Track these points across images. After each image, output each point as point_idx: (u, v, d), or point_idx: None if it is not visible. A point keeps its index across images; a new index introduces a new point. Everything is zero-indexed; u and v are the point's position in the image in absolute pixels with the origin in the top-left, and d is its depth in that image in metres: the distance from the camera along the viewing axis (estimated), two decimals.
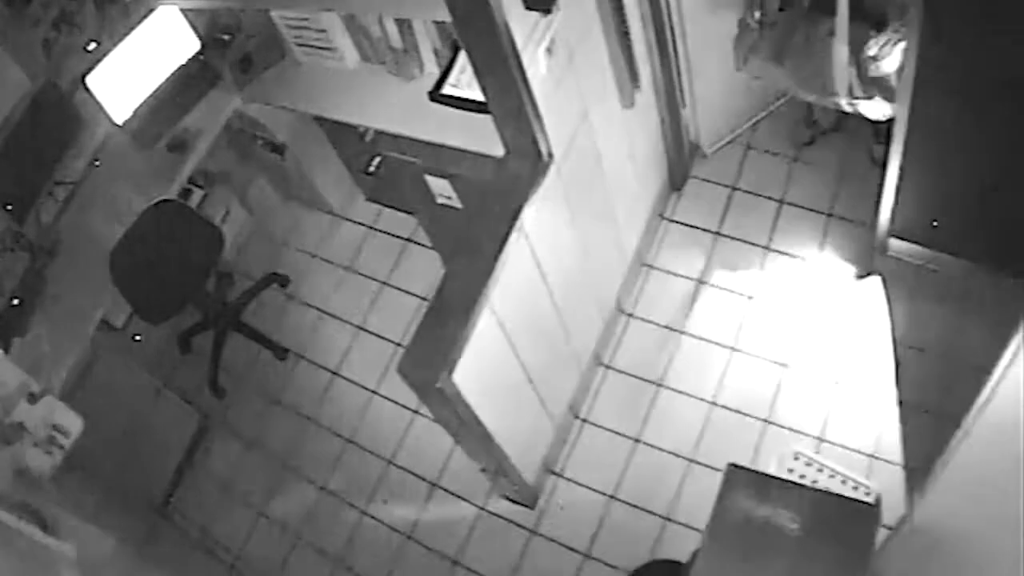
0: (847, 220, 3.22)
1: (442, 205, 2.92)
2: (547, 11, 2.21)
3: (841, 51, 2.54)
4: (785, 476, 2.69)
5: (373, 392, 3.46)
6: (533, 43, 2.22)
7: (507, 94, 2.24)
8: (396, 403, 3.38)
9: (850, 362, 2.97)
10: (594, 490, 3.02)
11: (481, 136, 2.59)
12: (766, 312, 3.15)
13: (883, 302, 3.04)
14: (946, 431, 1.67)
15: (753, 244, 3.29)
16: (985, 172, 2.50)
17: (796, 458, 2.54)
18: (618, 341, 3.25)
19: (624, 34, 2.63)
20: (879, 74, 2.51)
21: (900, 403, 2.86)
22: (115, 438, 3.14)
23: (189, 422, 3.53)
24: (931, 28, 2.13)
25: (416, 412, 3.32)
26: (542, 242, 2.53)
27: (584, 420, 3.15)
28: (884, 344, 2.97)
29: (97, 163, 3.32)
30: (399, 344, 3.50)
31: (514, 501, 3.06)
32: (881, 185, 2.68)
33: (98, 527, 2.41)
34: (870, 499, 2.38)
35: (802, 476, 2.72)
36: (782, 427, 2.92)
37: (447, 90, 2.82)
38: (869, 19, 2.51)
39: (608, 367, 3.22)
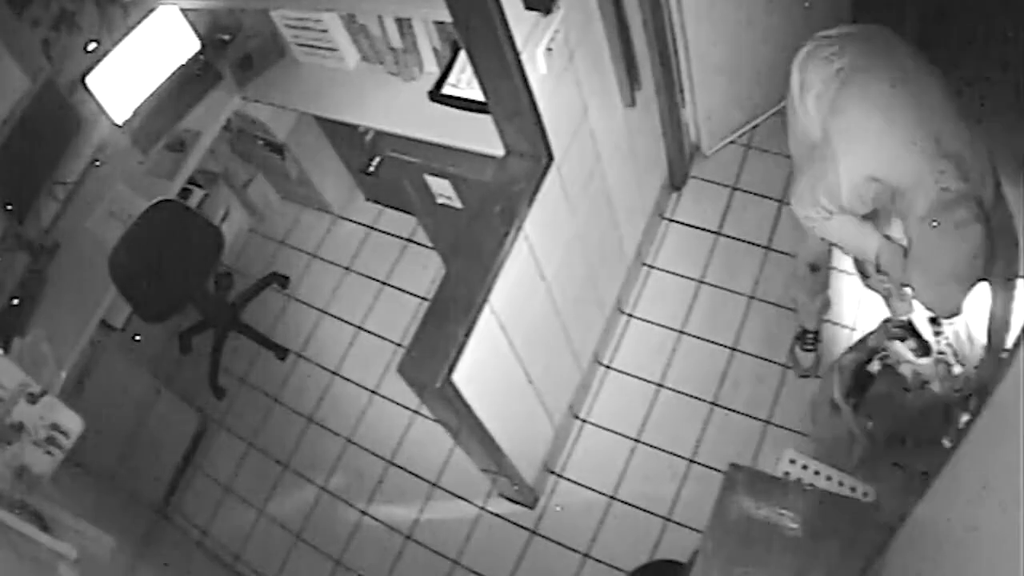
0: None
1: (442, 205, 2.92)
2: (547, 11, 2.21)
3: None
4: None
5: (373, 392, 3.46)
6: (533, 43, 2.21)
7: (507, 94, 2.24)
8: (396, 403, 3.38)
9: None
10: (594, 490, 3.02)
11: (481, 136, 2.59)
12: (766, 312, 3.15)
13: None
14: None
15: (753, 244, 3.29)
16: None
17: (792, 461, 2.54)
18: (618, 341, 3.25)
19: (624, 34, 2.63)
20: None
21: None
22: (115, 438, 3.14)
23: (189, 422, 3.53)
24: None
25: (416, 412, 3.32)
26: (542, 242, 2.53)
27: (584, 420, 3.15)
28: None
29: (97, 163, 3.32)
30: (399, 344, 3.50)
31: (514, 501, 3.06)
32: None
33: (98, 527, 2.40)
34: (868, 500, 2.38)
35: (798, 480, 2.71)
36: (783, 428, 2.92)
37: (447, 90, 2.82)
38: None
39: (608, 367, 3.22)
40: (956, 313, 2.16)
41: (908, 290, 2.28)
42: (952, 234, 1.96)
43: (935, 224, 1.96)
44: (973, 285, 2.06)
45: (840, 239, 2.31)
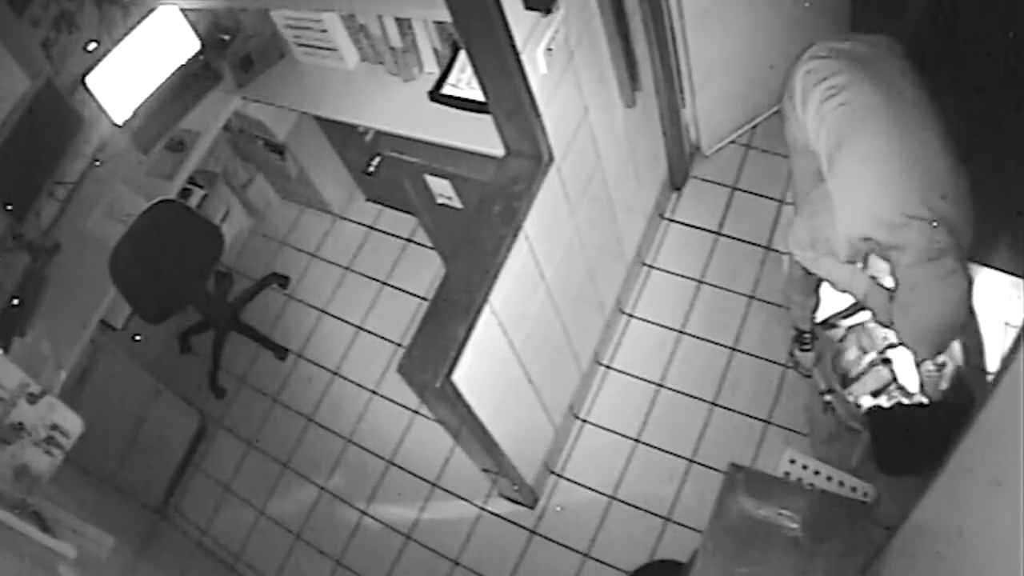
0: None
1: (442, 205, 2.92)
2: (547, 11, 2.21)
3: None
4: None
5: (373, 392, 3.46)
6: (533, 43, 2.22)
7: (507, 94, 2.24)
8: (396, 403, 3.38)
9: None
10: (594, 490, 3.02)
11: (481, 136, 2.59)
12: (766, 312, 3.15)
13: None
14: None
15: (753, 244, 3.28)
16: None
17: (792, 461, 2.55)
18: (618, 341, 3.25)
19: (624, 34, 2.63)
20: None
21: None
22: (115, 438, 3.14)
23: (189, 422, 3.53)
24: None
25: (416, 412, 3.32)
26: (542, 242, 2.53)
27: (584, 420, 3.15)
28: None
29: (97, 163, 3.32)
30: (399, 344, 3.50)
31: (514, 501, 3.06)
32: None
33: (98, 527, 2.40)
34: (868, 500, 2.38)
35: (798, 480, 2.71)
36: (783, 427, 2.92)
37: (447, 90, 2.82)
38: None
39: (608, 367, 3.22)
40: (937, 355, 2.22)
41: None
42: (938, 284, 2.01)
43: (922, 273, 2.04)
44: (957, 332, 2.11)
45: (831, 277, 2.40)
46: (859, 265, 2.35)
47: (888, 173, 2.07)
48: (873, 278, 2.33)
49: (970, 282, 2.07)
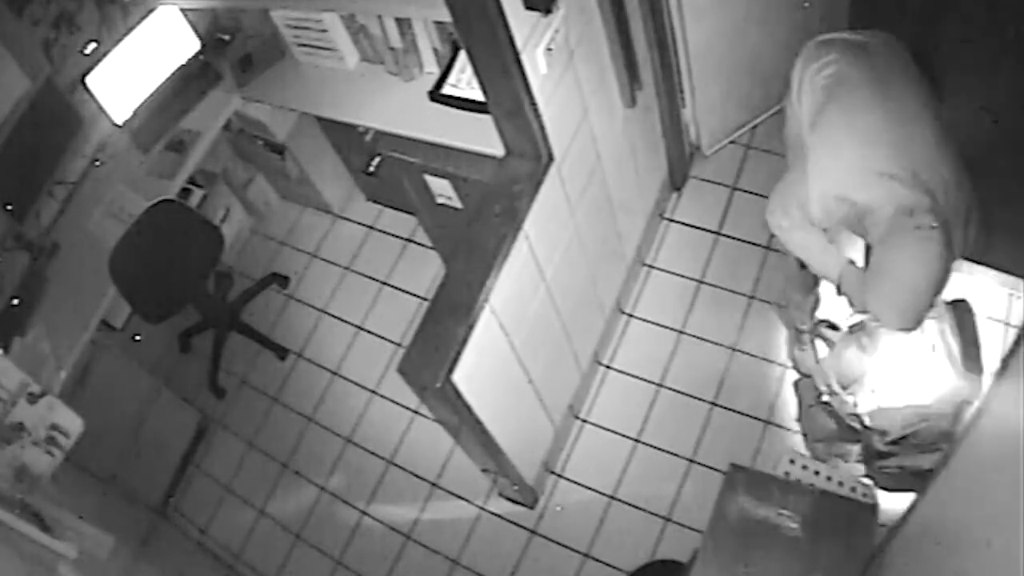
0: None
1: (442, 205, 2.92)
2: (547, 11, 2.21)
3: None
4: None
5: (373, 392, 3.46)
6: (533, 43, 2.22)
7: (507, 94, 2.24)
8: (396, 403, 3.38)
9: None
10: (594, 490, 3.02)
11: (481, 136, 2.59)
12: (766, 312, 3.15)
13: None
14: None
15: (753, 244, 3.28)
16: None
17: (792, 461, 2.55)
18: (618, 341, 3.25)
19: (624, 34, 2.63)
20: None
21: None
22: (115, 438, 3.14)
23: (189, 422, 3.53)
24: None
25: (416, 412, 3.32)
26: (542, 242, 2.53)
27: (584, 420, 3.15)
28: None
29: (97, 163, 3.32)
30: (399, 344, 3.50)
31: (514, 501, 3.06)
32: None
33: (98, 527, 2.40)
34: (868, 500, 2.38)
35: (798, 480, 2.72)
36: (783, 427, 2.92)
37: (447, 90, 2.82)
38: None
39: (608, 367, 3.22)
40: (913, 329, 2.18)
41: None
42: (912, 242, 1.97)
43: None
44: (931, 300, 2.07)
45: (805, 253, 2.35)
46: (830, 238, 2.32)
47: (867, 131, 2.06)
48: (851, 263, 2.30)
49: (948, 249, 2.01)
